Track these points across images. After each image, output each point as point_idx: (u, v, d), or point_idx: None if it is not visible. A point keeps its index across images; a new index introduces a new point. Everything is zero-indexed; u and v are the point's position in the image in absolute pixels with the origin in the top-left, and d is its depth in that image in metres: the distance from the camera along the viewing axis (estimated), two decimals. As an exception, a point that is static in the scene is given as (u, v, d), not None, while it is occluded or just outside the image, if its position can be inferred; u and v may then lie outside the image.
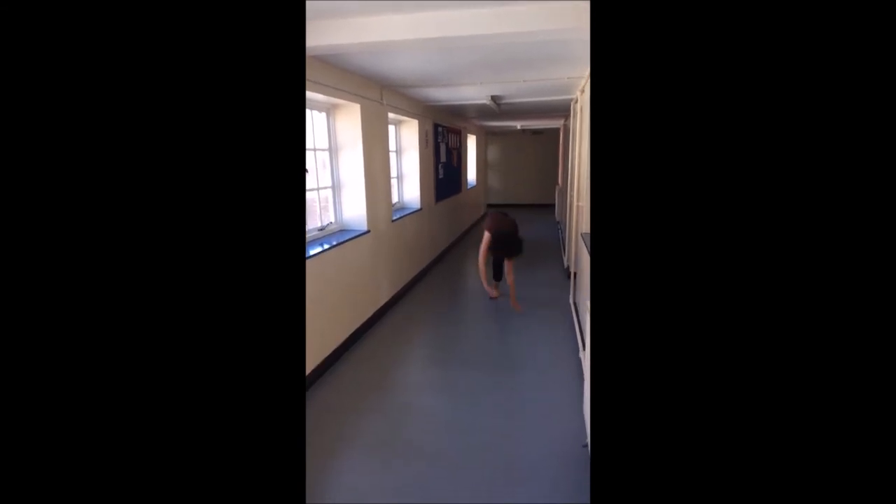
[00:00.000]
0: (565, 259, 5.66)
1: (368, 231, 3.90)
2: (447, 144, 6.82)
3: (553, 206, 10.38)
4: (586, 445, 2.25)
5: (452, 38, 2.16)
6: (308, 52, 2.49)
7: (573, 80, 3.95)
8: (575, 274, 4.30)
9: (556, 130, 10.74)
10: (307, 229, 3.40)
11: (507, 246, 4.19)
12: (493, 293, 4.54)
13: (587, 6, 1.94)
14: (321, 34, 2.28)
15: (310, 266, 2.94)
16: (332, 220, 3.83)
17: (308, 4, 2.00)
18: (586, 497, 1.98)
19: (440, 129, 6.38)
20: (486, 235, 4.21)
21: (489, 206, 11.26)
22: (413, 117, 5.21)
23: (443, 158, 6.57)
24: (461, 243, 7.54)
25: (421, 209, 5.53)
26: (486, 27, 2.08)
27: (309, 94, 3.05)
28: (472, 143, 9.46)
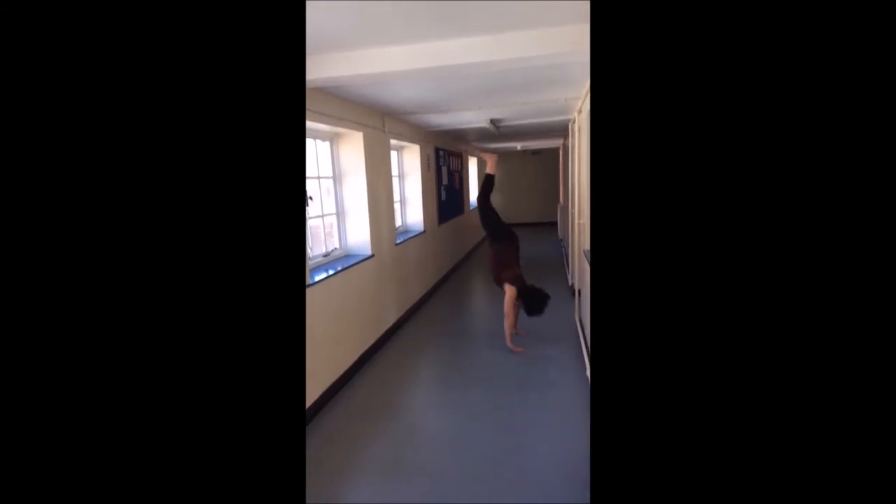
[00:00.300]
0: (569, 277, 5.67)
1: (373, 255, 3.95)
2: (448, 167, 6.92)
3: (555, 223, 10.44)
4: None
5: (449, 66, 2.24)
6: (311, 85, 2.58)
7: (570, 101, 4.04)
8: (579, 291, 4.32)
9: (556, 150, 10.87)
10: (312, 256, 3.45)
11: (534, 304, 3.75)
12: (520, 349, 3.85)
13: (580, 30, 2.01)
14: (323, 67, 2.36)
15: (315, 291, 2.98)
16: (337, 245, 3.88)
17: (310, 39, 2.09)
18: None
19: (441, 152, 6.48)
20: (512, 291, 3.76)
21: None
22: (414, 142, 5.31)
23: (445, 181, 6.66)
24: (465, 264, 7.58)
25: (424, 232, 5.59)
26: (481, 55, 2.15)
27: (312, 125, 3.14)
28: (473, 165, 9.58)
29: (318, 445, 2.61)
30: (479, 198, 4.20)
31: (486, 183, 4.15)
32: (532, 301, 3.75)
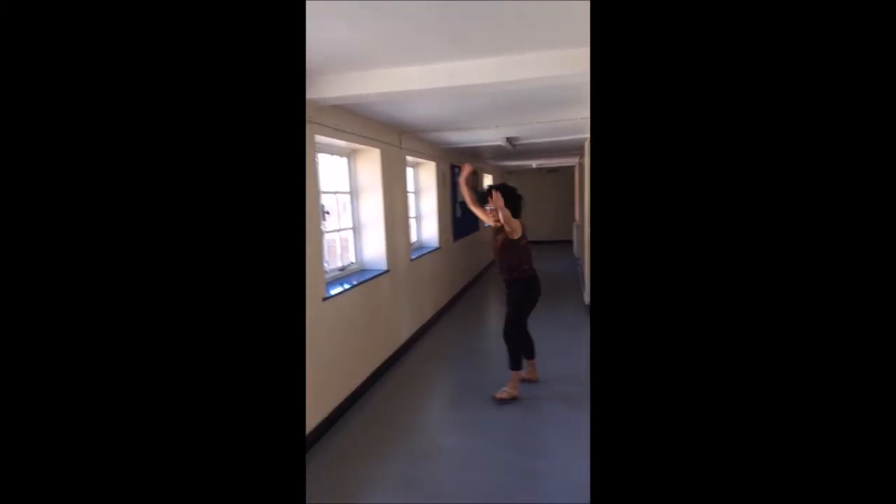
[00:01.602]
0: (585, 295, 5.64)
1: (388, 270, 3.98)
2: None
3: (570, 241, 10.39)
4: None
5: (465, 86, 2.29)
6: (330, 102, 2.65)
7: (585, 121, 4.07)
8: (594, 310, 4.29)
9: (571, 168, 10.88)
10: (328, 269, 3.50)
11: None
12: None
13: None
14: (342, 85, 2.43)
15: (331, 305, 3.01)
16: (353, 260, 3.93)
17: (330, 57, 2.16)
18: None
19: (457, 169, 6.54)
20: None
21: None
22: (430, 159, 5.38)
23: (460, 198, 6.71)
24: (479, 281, 7.57)
25: (439, 247, 5.62)
26: (496, 75, 2.20)
27: (330, 140, 3.21)
28: (488, 181, 9.64)
29: (332, 460, 2.61)
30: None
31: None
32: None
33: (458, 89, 2.34)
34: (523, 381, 3.42)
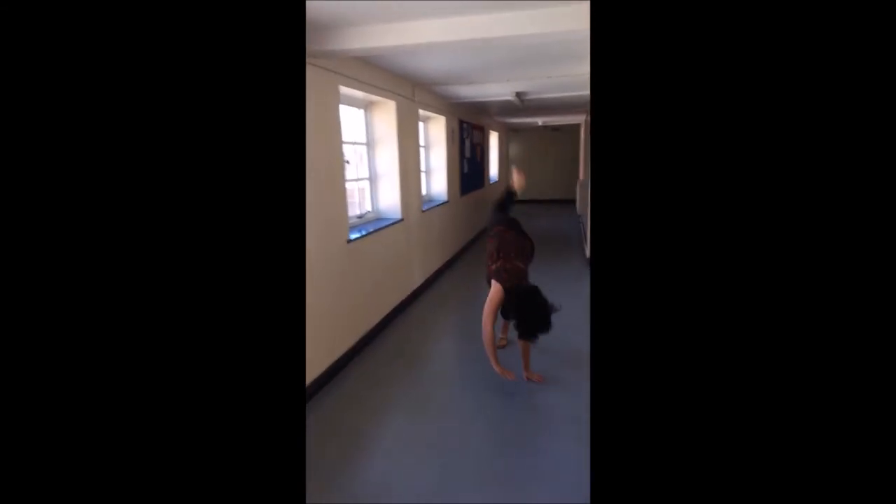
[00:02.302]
0: (587, 249, 5.87)
1: (402, 219, 4.19)
2: (471, 140, 7.08)
3: (572, 201, 10.54)
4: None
5: (483, 39, 2.42)
6: (352, 54, 2.78)
7: (594, 76, 4.17)
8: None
9: (576, 126, 10.90)
10: (348, 216, 3.71)
11: (526, 318, 2.54)
12: (510, 374, 2.69)
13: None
14: (365, 37, 2.56)
15: (353, 248, 3.24)
16: (369, 208, 4.13)
17: (352, 10, 2.29)
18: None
19: (465, 125, 6.64)
20: (497, 290, 2.61)
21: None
22: (441, 114, 5.49)
23: (467, 154, 6.83)
24: (483, 237, 7.79)
25: (448, 201, 5.81)
26: (515, 29, 2.33)
27: (350, 92, 3.35)
28: (494, 139, 9.70)
29: (357, 383, 2.91)
30: (495, 209, 3.25)
31: (507, 198, 3.27)
32: (526, 311, 2.51)
33: (476, 41, 2.47)
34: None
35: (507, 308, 2.65)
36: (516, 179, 3.40)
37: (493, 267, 2.67)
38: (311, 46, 2.53)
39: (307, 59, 2.61)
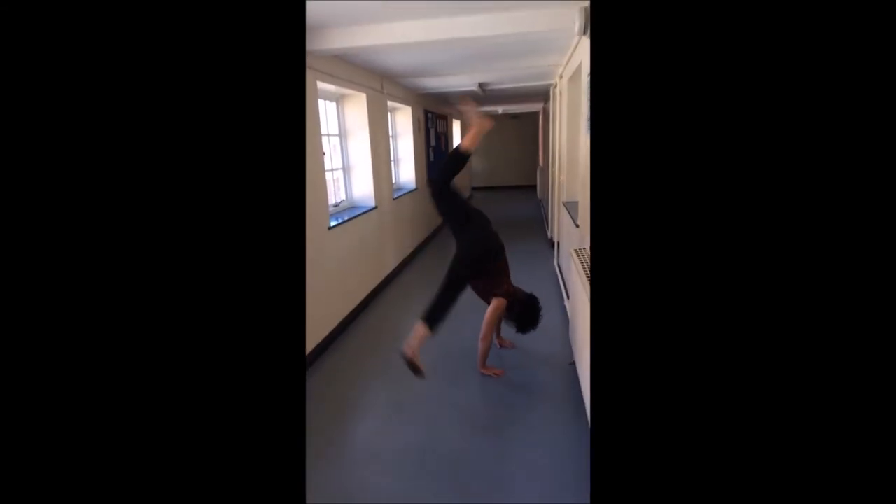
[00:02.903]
0: (548, 231, 6.22)
1: (376, 207, 4.39)
2: (436, 129, 7.29)
3: (532, 186, 10.95)
4: (572, 364, 2.81)
5: (460, 39, 2.65)
6: (332, 53, 2.94)
7: (552, 68, 4.47)
8: (558, 243, 4.87)
9: (535, 114, 11.26)
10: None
11: (527, 315, 2.82)
12: (498, 371, 2.86)
13: (575, 6, 2.43)
14: (347, 38, 2.73)
15: (333, 234, 3.43)
16: (344, 197, 4.30)
17: (333, 11, 2.46)
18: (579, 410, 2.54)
19: (430, 115, 6.84)
20: (501, 303, 2.76)
21: (473, 189, 11.72)
22: (407, 104, 5.67)
23: (433, 143, 7.04)
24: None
25: (416, 189, 6.02)
26: (491, 30, 2.56)
27: (322, 86, 3.50)
28: (456, 127, 9.93)
29: (340, 362, 3.13)
30: (437, 178, 2.87)
31: (453, 161, 2.82)
32: (525, 312, 2.81)
33: (452, 41, 2.69)
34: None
35: (509, 314, 2.84)
36: (476, 124, 2.71)
37: (498, 292, 2.79)
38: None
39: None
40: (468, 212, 2.85)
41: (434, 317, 2.72)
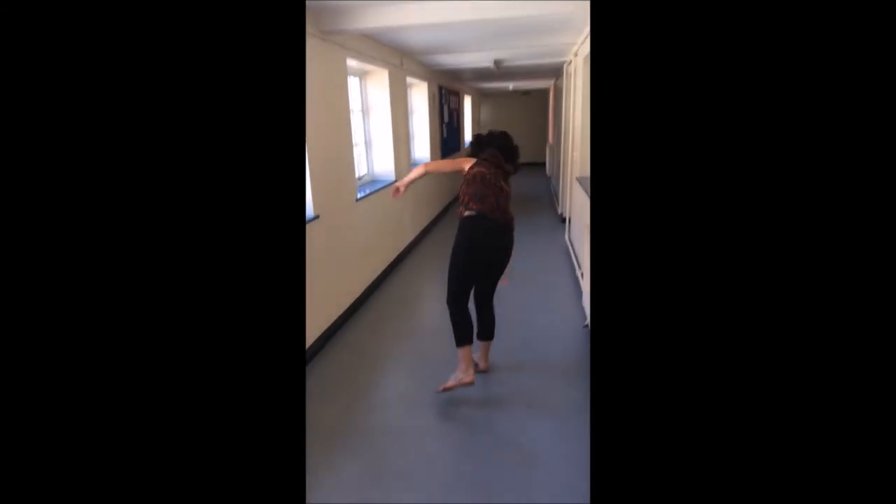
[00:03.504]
0: (559, 207, 6.41)
1: (395, 180, 4.58)
2: (449, 106, 7.41)
3: (542, 164, 11.06)
4: (586, 326, 3.04)
5: (484, 20, 2.80)
6: (361, 32, 3.10)
7: (567, 46, 4.59)
8: (569, 218, 5.06)
9: (545, 91, 11.28)
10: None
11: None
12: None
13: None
14: (378, 17, 2.88)
15: (360, 205, 3.65)
16: (365, 171, 4.50)
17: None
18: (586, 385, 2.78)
19: (443, 91, 6.96)
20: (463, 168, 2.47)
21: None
22: (423, 80, 5.81)
23: (446, 119, 7.18)
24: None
25: (431, 164, 6.20)
26: (513, 10, 2.72)
27: (349, 62, 3.66)
28: (467, 103, 10.01)
29: (371, 321, 3.38)
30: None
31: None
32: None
33: (478, 22, 2.85)
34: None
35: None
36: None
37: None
38: (324, 26, 2.85)
39: (322, 37, 2.92)
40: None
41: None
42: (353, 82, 4.21)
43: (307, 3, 2.68)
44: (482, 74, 7.47)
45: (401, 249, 4.76)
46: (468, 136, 9.97)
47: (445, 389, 2.40)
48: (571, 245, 4.70)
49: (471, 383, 2.38)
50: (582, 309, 3.30)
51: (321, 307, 2.98)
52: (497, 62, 5.68)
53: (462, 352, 2.39)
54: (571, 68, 4.95)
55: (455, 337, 2.42)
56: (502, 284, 2.59)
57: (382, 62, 4.18)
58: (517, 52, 5.14)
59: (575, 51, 4.58)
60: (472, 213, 2.34)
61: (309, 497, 1.78)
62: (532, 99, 12.25)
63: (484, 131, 2.66)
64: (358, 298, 3.59)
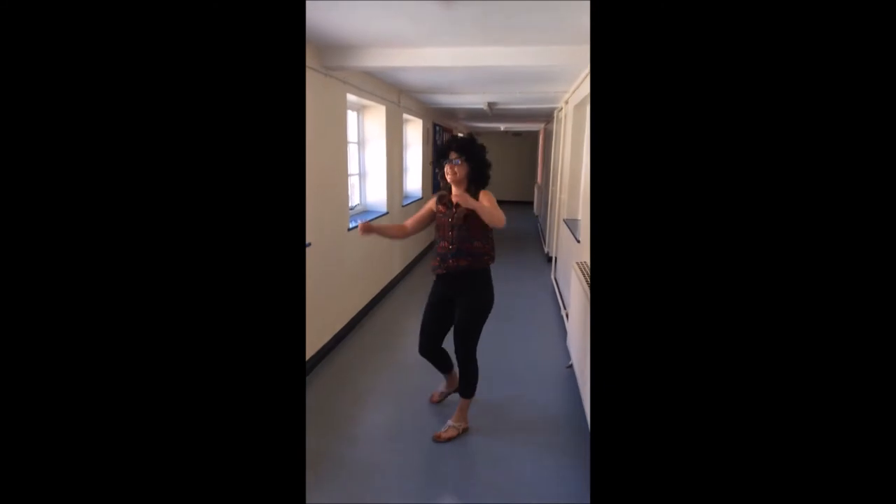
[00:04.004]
0: (545, 247, 6.52)
1: (387, 212, 4.65)
2: (442, 141, 7.60)
3: (530, 202, 11.28)
4: (569, 366, 3.08)
5: (483, 67, 2.94)
6: (361, 70, 3.22)
7: (559, 93, 4.79)
8: (555, 258, 5.16)
9: (536, 133, 11.63)
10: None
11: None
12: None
13: (582, 49, 2.74)
14: (375, 58, 3.00)
15: (351, 235, 3.69)
16: (359, 201, 4.56)
17: (365, 33, 2.74)
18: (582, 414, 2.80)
19: (437, 128, 7.14)
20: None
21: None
22: (419, 117, 5.98)
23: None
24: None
25: (422, 198, 6.30)
26: (510, 60, 2.86)
27: (349, 96, 3.78)
28: (459, 141, 10.24)
29: (359, 346, 3.37)
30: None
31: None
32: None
33: (477, 69, 2.98)
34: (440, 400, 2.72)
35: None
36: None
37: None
38: (327, 62, 2.97)
39: (324, 72, 3.03)
40: None
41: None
42: (351, 115, 4.33)
43: (312, 41, 2.80)
44: (476, 115, 7.71)
45: (387, 282, 4.78)
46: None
47: (446, 439, 2.42)
48: (557, 285, 4.77)
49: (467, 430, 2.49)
50: (566, 349, 3.34)
51: (308, 333, 2.98)
52: (490, 105, 5.88)
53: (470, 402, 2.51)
54: (562, 114, 5.16)
55: (472, 387, 2.49)
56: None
57: (381, 98, 4.31)
58: (511, 97, 5.34)
59: (566, 98, 4.78)
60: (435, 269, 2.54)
61: None
62: (523, 140, 12.59)
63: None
64: (343, 328, 3.58)
